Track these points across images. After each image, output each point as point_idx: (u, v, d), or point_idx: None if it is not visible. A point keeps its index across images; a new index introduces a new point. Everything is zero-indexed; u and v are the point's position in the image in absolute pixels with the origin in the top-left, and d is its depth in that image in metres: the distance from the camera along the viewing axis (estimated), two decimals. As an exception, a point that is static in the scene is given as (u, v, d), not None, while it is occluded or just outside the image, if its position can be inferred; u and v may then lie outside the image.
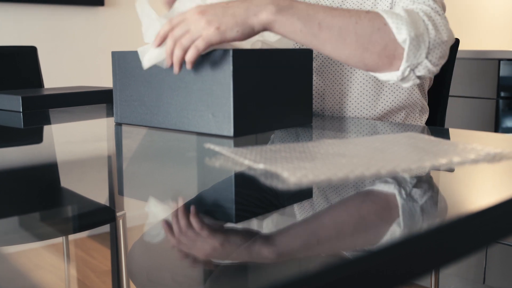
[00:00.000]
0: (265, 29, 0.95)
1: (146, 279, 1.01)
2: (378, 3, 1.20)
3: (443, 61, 1.01)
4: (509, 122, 2.36)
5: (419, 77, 1.01)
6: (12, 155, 0.95)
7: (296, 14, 0.95)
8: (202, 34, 0.92)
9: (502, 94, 2.35)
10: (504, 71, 2.34)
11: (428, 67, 0.99)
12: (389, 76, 1.00)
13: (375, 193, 0.64)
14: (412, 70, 0.98)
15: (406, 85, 1.03)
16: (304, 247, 0.49)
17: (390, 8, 1.17)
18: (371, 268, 0.45)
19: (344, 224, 0.55)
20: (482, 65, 2.38)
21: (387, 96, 1.24)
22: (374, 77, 1.22)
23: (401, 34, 0.95)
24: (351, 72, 1.24)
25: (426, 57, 0.97)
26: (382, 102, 1.24)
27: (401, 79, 1.00)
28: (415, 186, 0.66)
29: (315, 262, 0.43)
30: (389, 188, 0.65)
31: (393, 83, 1.21)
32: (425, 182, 0.69)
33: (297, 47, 1.28)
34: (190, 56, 0.93)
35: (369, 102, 1.24)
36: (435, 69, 1.00)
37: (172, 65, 0.96)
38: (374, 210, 0.59)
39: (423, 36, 0.96)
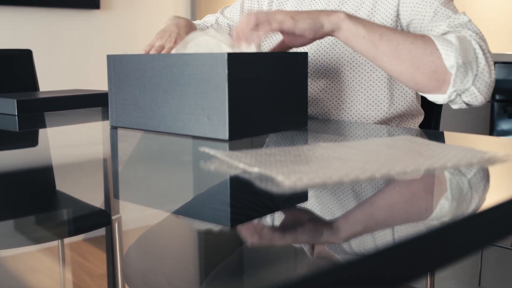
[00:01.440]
0: (332, 30, 1.03)
1: (142, 282, 1.01)
2: (377, 3, 1.21)
3: (490, 90, 1.06)
4: (504, 124, 2.37)
5: (467, 104, 1.06)
6: (7, 159, 0.95)
7: (362, 23, 1.04)
8: (278, 19, 1.00)
9: (497, 97, 2.35)
10: (499, 74, 2.34)
11: (475, 94, 1.04)
12: (436, 98, 1.07)
13: (370, 195, 0.65)
14: (459, 95, 1.04)
15: (455, 107, 1.08)
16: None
17: (396, 11, 1.19)
18: (366, 271, 0.45)
19: (339, 227, 0.56)
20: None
21: (385, 106, 1.24)
22: (374, 87, 1.23)
23: (449, 60, 1.01)
24: (348, 78, 1.24)
25: (473, 84, 1.03)
26: (380, 112, 1.24)
27: (449, 101, 1.06)
28: (410, 188, 0.67)
29: (308, 265, 0.43)
30: (384, 191, 0.65)
31: (398, 93, 1.23)
32: (420, 185, 0.69)
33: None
34: (261, 31, 1.00)
35: (367, 111, 1.24)
36: (482, 98, 1.05)
37: (169, 73, 0.96)
38: (369, 213, 0.59)
39: (471, 64, 1.02)
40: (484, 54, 1.04)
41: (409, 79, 1.05)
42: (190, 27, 1.34)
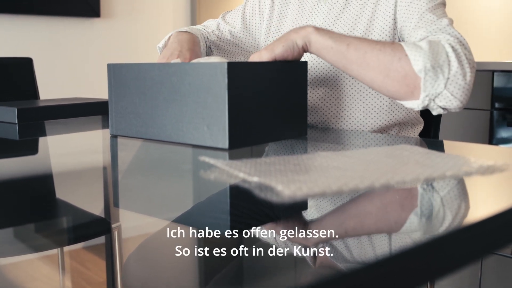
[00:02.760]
0: (305, 44, 1.06)
1: (141, 291, 1.01)
2: (379, 4, 1.22)
3: (466, 93, 1.05)
4: (503, 133, 2.37)
5: (444, 108, 1.06)
6: (7, 167, 0.95)
7: (329, 34, 1.07)
8: (257, 56, 1.06)
9: (496, 105, 2.36)
10: (498, 82, 2.35)
11: (449, 98, 1.03)
12: (411, 104, 1.06)
13: (368, 205, 0.65)
14: (432, 100, 1.03)
15: (434, 113, 1.08)
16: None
17: (393, 14, 1.20)
18: (368, 280, 0.45)
19: (338, 237, 0.56)
20: (476, 77, 2.38)
21: (385, 114, 1.24)
22: (374, 95, 1.23)
23: (417, 65, 1.01)
24: (347, 87, 1.25)
25: (446, 88, 1.02)
26: (380, 120, 1.24)
27: (423, 107, 1.06)
28: (409, 198, 0.67)
29: (311, 275, 0.43)
30: (384, 201, 0.65)
31: (391, 102, 1.23)
32: (420, 194, 0.69)
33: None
34: None
35: (366, 119, 1.25)
36: (458, 101, 1.04)
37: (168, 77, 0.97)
38: (368, 223, 0.60)
39: (442, 68, 1.01)
40: (457, 57, 1.02)
41: (380, 86, 1.06)
42: (193, 43, 1.34)
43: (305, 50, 1.07)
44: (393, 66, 1.03)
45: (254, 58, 1.07)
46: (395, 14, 1.20)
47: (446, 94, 1.02)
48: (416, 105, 1.05)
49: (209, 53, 1.48)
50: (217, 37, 1.49)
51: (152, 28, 3.36)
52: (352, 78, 1.24)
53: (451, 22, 1.12)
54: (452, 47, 1.03)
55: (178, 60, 1.12)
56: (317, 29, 1.06)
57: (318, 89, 1.28)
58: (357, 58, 1.04)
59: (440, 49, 1.03)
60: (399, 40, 1.22)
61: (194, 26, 1.51)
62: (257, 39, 1.47)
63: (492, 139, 2.38)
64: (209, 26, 1.53)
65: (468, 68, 1.03)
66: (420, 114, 1.34)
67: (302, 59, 1.30)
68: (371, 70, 1.04)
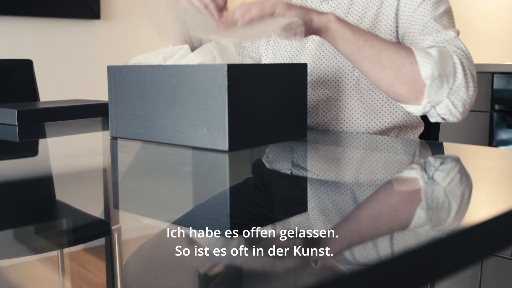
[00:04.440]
0: (320, 29, 1.05)
1: (141, 292, 1.01)
2: (379, 15, 1.22)
3: (466, 107, 1.05)
4: (503, 134, 2.37)
5: (443, 118, 1.06)
6: (7, 169, 0.96)
7: (349, 26, 1.06)
8: (272, 3, 1.02)
9: (496, 107, 2.36)
10: (497, 84, 2.35)
11: (449, 107, 1.04)
12: (412, 109, 1.07)
13: (368, 207, 0.65)
14: (433, 107, 1.05)
15: (432, 120, 1.09)
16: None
17: (394, 18, 1.21)
18: (369, 281, 0.45)
19: (338, 239, 0.56)
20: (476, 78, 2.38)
21: (385, 116, 1.24)
22: (374, 97, 1.23)
23: (425, 71, 1.02)
24: (346, 90, 1.25)
25: (448, 97, 1.03)
26: (380, 122, 1.24)
27: (423, 112, 1.07)
28: (410, 199, 0.67)
29: (314, 276, 0.43)
30: (384, 201, 0.65)
31: (392, 105, 1.23)
32: (419, 196, 0.69)
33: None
34: (254, 12, 1.02)
35: (367, 120, 1.24)
36: (457, 113, 1.05)
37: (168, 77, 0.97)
38: (370, 223, 0.60)
39: (448, 77, 1.03)
40: (463, 69, 1.04)
41: (388, 87, 1.07)
42: None
43: (316, 33, 1.06)
44: (404, 69, 1.03)
45: (270, 1, 1.02)
46: (396, 19, 1.20)
47: (447, 103, 1.04)
48: (417, 110, 1.06)
49: None
50: None
51: (152, 30, 3.36)
52: (352, 81, 1.24)
53: (457, 33, 1.13)
54: (460, 59, 1.05)
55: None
56: (338, 19, 1.06)
57: (317, 91, 1.28)
58: (371, 55, 1.05)
59: (449, 59, 1.04)
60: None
61: None
62: (258, 43, 1.47)
63: (492, 141, 2.38)
64: None
65: (472, 83, 1.05)
66: (421, 116, 1.34)
67: (306, 60, 1.30)
68: (382, 69, 1.05)
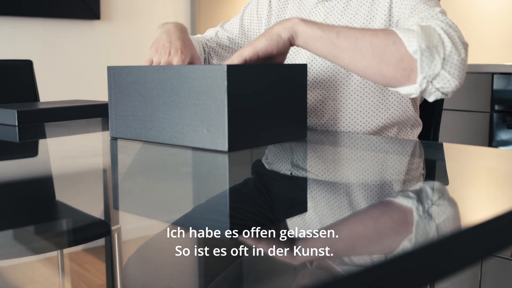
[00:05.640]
0: (291, 36, 1.02)
1: (141, 293, 1.01)
2: (372, 9, 1.22)
3: (462, 72, 1.01)
4: (503, 134, 2.37)
5: (443, 92, 1.01)
6: (7, 169, 0.96)
7: (316, 24, 1.03)
8: (238, 54, 1.02)
9: (496, 107, 2.36)
10: (497, 84, 2.35)
11: (447, 78, 0.99)
12: (409, 90, 1.02)
13: (367, 207, 0.65)
14: (430, 82, 0.99)
15: (431, 99, 1.04)
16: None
17: (388, 12, 1.20)
18: (366, 282, 0.45)
19: (337, 239, 0.56)
20: (475, 79, 2.39)
21: (381, 112, 1.24)
22: (369, 93, 1.23)
23: (412, 46, 0.97)
24: (345, 88, 1.25)
25: (443, 68, 0.98)
26: (376, 119, 1.25)
27: (421, 91, 1.01)
28: (410, 201, 0.67)
29: (309, 276, 0.43)
30: (384, 202, 0.65)
31: (393, 99, 1.23)
32: (419, 197, 0.69)
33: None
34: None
35: (363, 118, 1.25)
36: (456, 81, 1.00)
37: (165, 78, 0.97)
38: (368, 224, 0.60)
39: (437, 48, 0.98)
40: (450, 37, 0.99)
41: (376, 73, 1.01)
42: (180, 30, 1.33)
43: (291, 42, 1.04)
44: (387, 50, 0.99)
45: (234, 58, 1.03)
46: (390, 13, 1.21)
47: (444, 74, 0.99)
48: (414, 89, 1.01)
49: (208, 59, 1.48)
50: (216, 43, 1.49)
51: (152, 31, 3.36)
52: (345, 80, 1.24)
53: (443, 11, 1.10)
54: (443, 29, 1.01)
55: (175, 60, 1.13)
56: (303, 20, 1.02)
57: (315, 91, 1.28)
58: (348, 45, 1.00)
59: (432, 31, 1.00)
60: None
61: (193, 36, 1.51)
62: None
63: (492, 141, 2.38)
64: (208, 34, 1.53)
65: (461, 45, 1.00)
66: (420, 115, 1.35)
67: (301, 61, 1.30)
68: (364, 57, 1.00)
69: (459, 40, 1.01)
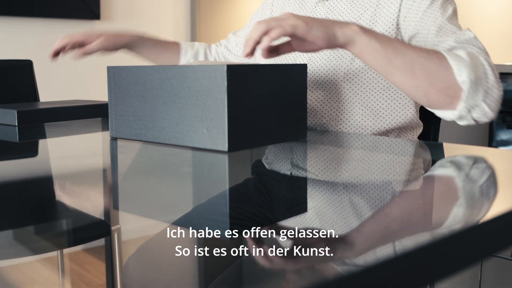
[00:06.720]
0: (346, 43, 1.01)
1: (141, 293, 1.01)
2: (376, 15, 1.22)
3: (498, 106, 1.04)
4: (503, 135, 2.37)
5: (476, 121, 1.05)
6: (7, 169, 0.96)
7: (375, 36, 1.01)
8: (291, 23, 0.97)
9: (496, 107, 2.35)
10: (497, 84, 2.34)
11: (485, 110, 1.02)
12: (447, 114, 1.05)
13: (369, 207, 0.65)
14: (469, 111, 1.03)
15: (462, 123, 1.06)
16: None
17: (396, 17, 1.20)
18: (366, 282, 0.45)
19: (337, 239, 0.56)
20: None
21: (384, 118, 1.24)
22: (372, 96, 1.23)
23: (461, 76, 1.00)
24: (345, 90, 1.25)
25: (483, 100, 1.02)
26: (378, 123, 1.24)
27: (458, 117, 1.04)
28: (411, 199, 0.67)
29: (307, 277, 0.43)
30: (384, 202, 0.65)
31: (397, 103, 1.23)
32: (420, 196, 0.69)
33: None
34: (273, 33, 0.97)
35: (364, 121, 1.24)
36: (492, 113, 1.04)
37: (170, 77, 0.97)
38: (368, 224, 0.60)
39: (481, 80, 1.01)
40: (492, 70, 1.03)
41: (422, 95, 1.04)
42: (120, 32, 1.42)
43: (342, 47, 1.02)
44: (438, 75, 1.01)
45: (290, 20, 0.98)
46: (398, 19, 1.19)
47: (483, 106, 1.02)
48: (452, 114, 1.04)
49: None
50: (225, 47, 1.58)
51: (152, 31, 3.36)
52: (350, 81, 1.24)
53: (475, 35, 1.13)
54: (486, 60, 1.04)
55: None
56: (363, 29, 1.01)
57: (316, 91, 1.28)
58: (403, 65, 1.01)
59: (478, 61, 1.03)
60: None
61: (196, 43, 1.64)
62: None
63: (492, 141, 2.38)
64: (220, 42, 1.63)
65: (499, 81, 1.05)
66: (420, 117, 1.35)
67: (301, 61, 1.30)
68: (415, 78, 1.02)
69: (497, 73, 1.05)
